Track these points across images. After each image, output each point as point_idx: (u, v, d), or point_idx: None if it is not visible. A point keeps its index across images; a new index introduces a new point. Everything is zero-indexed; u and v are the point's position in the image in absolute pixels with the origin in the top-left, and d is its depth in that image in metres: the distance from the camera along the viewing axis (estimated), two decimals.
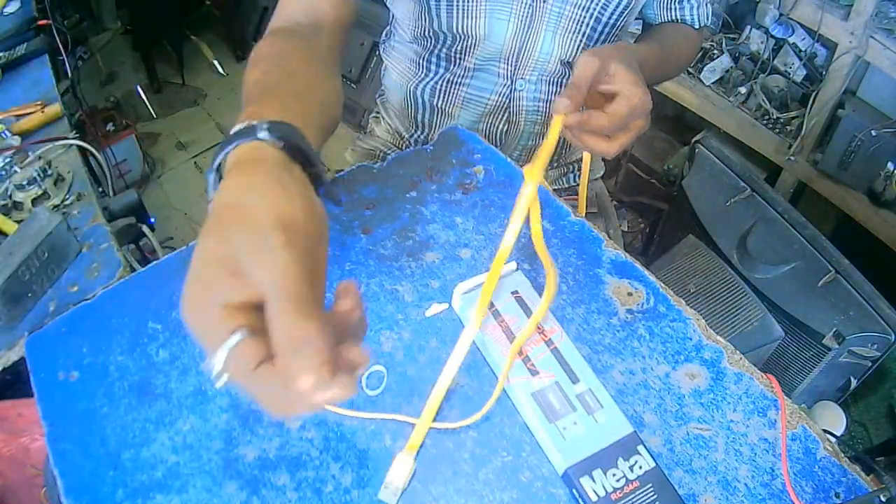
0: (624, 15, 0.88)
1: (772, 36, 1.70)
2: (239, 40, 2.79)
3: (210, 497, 0.55)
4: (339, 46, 0.77)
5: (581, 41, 0.90)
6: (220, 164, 0.44)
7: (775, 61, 1.75)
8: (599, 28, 0.89)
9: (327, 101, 0.63)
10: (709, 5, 0.96)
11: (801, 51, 1.70)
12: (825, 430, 0.60)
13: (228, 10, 2.74)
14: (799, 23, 1.63)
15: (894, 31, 1.44)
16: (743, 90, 1.80)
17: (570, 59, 0.92)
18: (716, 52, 1.82)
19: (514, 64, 0.92)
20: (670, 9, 0.95)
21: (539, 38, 0.89)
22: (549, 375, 0.60)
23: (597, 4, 0.86)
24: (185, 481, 0.56)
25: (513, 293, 0.66)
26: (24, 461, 0.81)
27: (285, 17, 0.75)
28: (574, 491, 0.55)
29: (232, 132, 0.45)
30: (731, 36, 1.82)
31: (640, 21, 1.00)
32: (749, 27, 1.76)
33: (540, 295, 0.65)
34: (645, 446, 0.56)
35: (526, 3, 0.85)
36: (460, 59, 0.93)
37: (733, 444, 0.59)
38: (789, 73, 1.74)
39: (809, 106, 1.64)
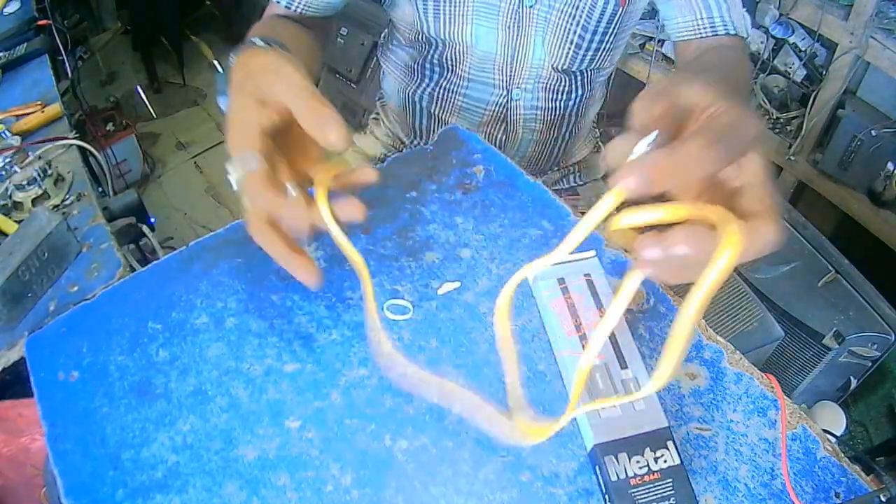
0: (613, 24, 0.87)
1: (772, 36, 1.70)
2: (239, 40, 2.78)
3: (210, 497, 0.55)
4: (323, 35, 0.91)
5: (570, 49, 0.89)
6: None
7: (775, 61, 1.75)
8: (587, 36, 0.88)
9: (317, 54, 0.86)
10: (746, 16, 0.84)
11: (801, 51, 1.70)
12: (825, 430, 0.60)
13: (228, 10, 2.75)
14: (799, 23, 1.63)
15: (894, 31, 1.44)
16: None
17: (563, 67, 0.92)
18: None
19: (507, 73, 0.92)
20: (695, 10, 0.83)
21: (530, 46, 0.88)
22: (599, 356, 0.61)
23: (581, 12, 0.85)
24: (185, 481, 0.56)
25: (585, 275, 0.67)
26: (24, 461, 0.81)
27: (273, 13, 0.90)
28: (596, 468, 0.56)
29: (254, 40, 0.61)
30: None
31: (641, 23, 0.99)
32: None
33: (611, 286, 0.67)
34: (675, 444, 0.56)
35: (512, 10, 0.84)
36: (454, 66, 0.93)
37: (733, 444, 0.59)
38: (789, 73, 1.74)
39: (809, 106, 1.64)
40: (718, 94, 0.39)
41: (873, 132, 1.51)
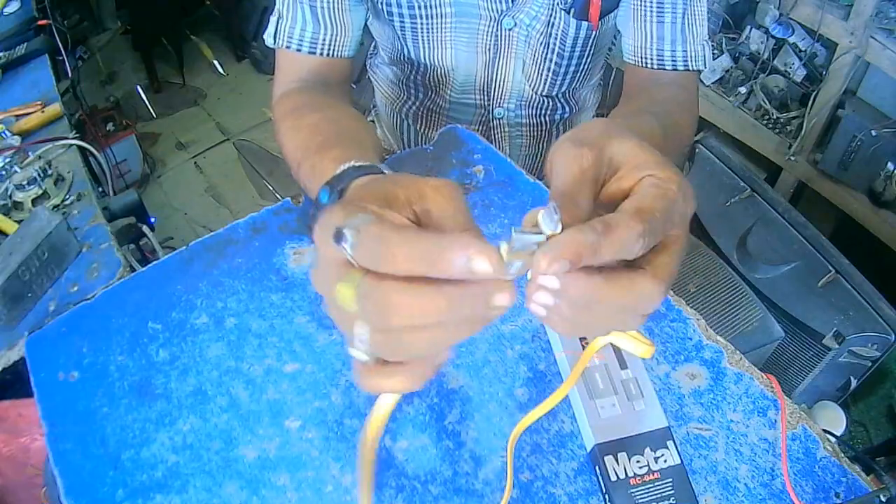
0: (587, 47, 0.86)
1: (772, 36, 1.70)
2: (239, 40, 2.79)
3: (210, 497, 0.55)
4: (348, 98, 0.81)
5: (548, 76, 0.89)
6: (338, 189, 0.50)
7: (775, 61, 1.75)
8: (564, 63, 0.87)
9: (373, 139, 0.71)
10: (707, 46, 0.79)
11: (801, 51, 1.70)
12: (825, 430, 0.60)
13: (228, 10, 2.74)
14: (799, 23, 1.63)
15: (894, 31, 1.44)
16: (743, 90, 1.80)
17: (542, 92, 0.91)
18: (716, 52, 1.82)
19: (488, 94, 0.91)
20: (646, 38, 0.79)
21: (509, 68, 0.87)
22: (599, 357, 0.61)
23: (555, 40, 0.84)
24: (185, 481, 0.56)
25: None
26: (24, 461, 0.81)
27: (290, 80, 0.78)
28: (596, 468, 0.56)
29: (342, 170, 0.51)
30: (731, 36, 1.82)
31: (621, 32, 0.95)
32: (749, 27, 1.76)
33: None
34: (675, 443, 0.56)
35: (490, 33, 0.83)
36: (437, 87, 0.92)
37: (733, 444, 0.59)
38: (789, 73, 1.74)
39: (809, 106, 1.64)
40: (653, 157, 0.36)
41: (873, 132, 1.51)
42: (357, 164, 0.52)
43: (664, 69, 0.79)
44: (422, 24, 0.82)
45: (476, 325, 0.33)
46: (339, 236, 0.32)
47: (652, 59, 0.79)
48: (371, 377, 0.35)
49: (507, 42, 0.84)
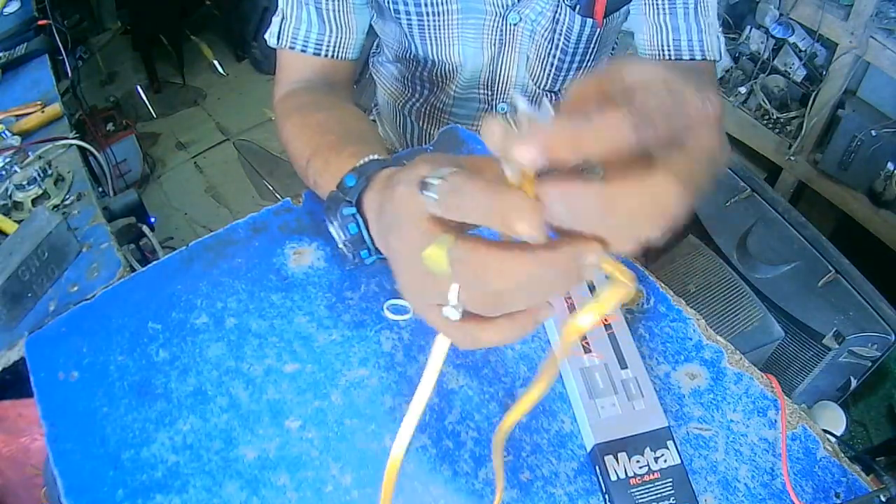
0: (591, 44, 0.86)
1: (772, 36, 1.70)
2: (239, 40, 2.79)
3: (210, 497, 0.55)
4: (352, 98, 0.82)
5: (551, 72, 0.89)
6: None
7: (775, 61, 1.75)
8: (567, 59, 0.87)
9: (379, 139, 0.73)
10: (721, 37, 0.81)
11: (801, 51, 1.70)
12: (825, 430, 0.60)
13: (228, 10, 2.74)
14: (799, 23, 1.64)
15: (894, 31, 1.44)
16: (743, 90, 1.80)
17: (545, 87, 0.91)
18: None
19: (491, 89, 0.92)
20: (661, 30, 0.80)
21: (513, 64, 0.88)
22: (599, 356, 0.61)
23: (559, 36, 0.84)
24: (185, 481, 0.56)
25: None
26: (24, 461, 0.81)
27: (294, 79, 0.79)
28: (597, 468, 0.56)
29: (365, 161, 0.55)
30: (731, 36, 1.82)
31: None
32: (749, 27, 1.76)
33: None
34: (675, 443, 0.57)
35: (496, 28, 0.83)
36: (442, 83, 0.92)
37: (733, 444, 0.59)
38: (789, 73, 1.74)
39: (809, 106, 1.65)
40: (668, 72, 0.31)
41: (873, 132, 1.51)
42: (378, 158, 0.54)
43: (682, 59, 0.81)
44: (429, 21, 0.82)
45: (572, 280, 0.33)
46: (424, 185, 0.34)
47: (669, 49, 0.81)
48: (469, 332, 0.36)
49: (511, 37, 0.85)
